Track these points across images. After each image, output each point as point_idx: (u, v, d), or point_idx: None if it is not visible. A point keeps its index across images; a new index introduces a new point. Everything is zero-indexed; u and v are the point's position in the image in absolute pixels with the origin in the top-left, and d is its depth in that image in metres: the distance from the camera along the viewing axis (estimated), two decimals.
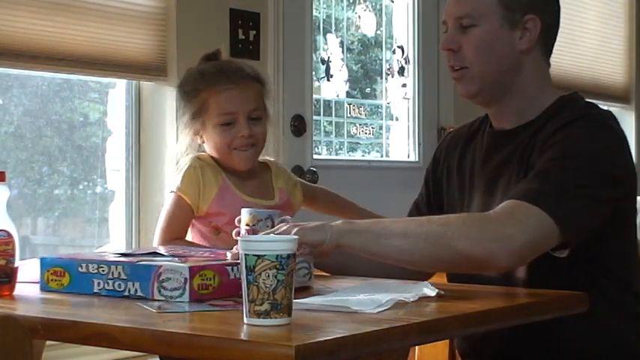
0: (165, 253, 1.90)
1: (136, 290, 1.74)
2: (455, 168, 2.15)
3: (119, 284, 1.75)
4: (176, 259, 1.81)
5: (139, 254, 1.89)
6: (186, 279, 1.69)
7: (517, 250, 1.76)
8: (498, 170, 2.02)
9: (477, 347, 2.07)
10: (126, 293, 1.75)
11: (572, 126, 1.92)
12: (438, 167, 2.21)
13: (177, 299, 1.69)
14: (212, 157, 2.38)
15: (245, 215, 2.04)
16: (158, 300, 1.70)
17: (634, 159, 2.00)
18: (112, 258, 1.83)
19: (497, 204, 1.89)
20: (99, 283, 1.78)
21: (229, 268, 1.75)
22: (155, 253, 1.90)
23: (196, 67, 2.41)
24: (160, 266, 1.72)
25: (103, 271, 1.77)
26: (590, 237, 1.88)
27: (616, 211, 1.91)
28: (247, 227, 2.01)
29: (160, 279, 1.71)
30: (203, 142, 2.38)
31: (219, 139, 2.32)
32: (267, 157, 2.47)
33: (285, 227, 1.77)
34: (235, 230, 2.06)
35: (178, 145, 2.42)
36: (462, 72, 2.03)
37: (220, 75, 2.34)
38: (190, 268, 1.70)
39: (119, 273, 1.76)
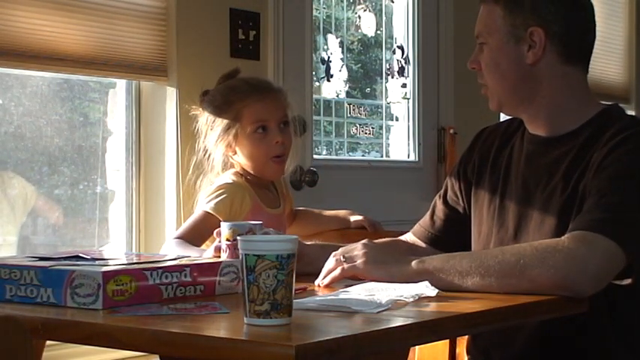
0: (87, 257, 1.78)
1: (49, 297, 1.63)
2: (489, 166, 2.17)
3: (31, 290, 1.64)
4: (97, 262, 1.70)
5: (57, 258, 1.78)
6: (99, 284, 1.58)
7: (595, 276, 1.78)
8: (538, 177, 2.04)
9: (489, 351, 2.08)
10: (38, 300, 1.64)
11: (627, 143, 1.93)
12: (470, 163, 2.22)
13: (91, 306, 1.58)
14: (243, 169, 2.51)
15: (225, 230, 2.04)
16: (72, 307, 1.59)
17: None
18: (27, 262, 1.72)
19: (535, 213, 1.96)
20: (11, 289, 1.68)
21: (148, 272, 1.64)
22: (78, 257, 1.79)
23: (221, 84, 2.58)
24: (73, 271, 1.61)
25: (15, 276, 1.67)
26: None
27: None
28: (228, 242, 2.02)
29: (73, 285, 1.61)
30: (235, 153, 2.50)
31: (255, 149, 2.47)
32: None
33: (358, 262, 1.90)
34: (215, 245, 2.08)
35: (213, 163, 2.56)
36: (485, 89, 2.10)
37: (250, 88, 2.51)
38: (104, 273, 1.59)
39: (31, 278, 1.65)
